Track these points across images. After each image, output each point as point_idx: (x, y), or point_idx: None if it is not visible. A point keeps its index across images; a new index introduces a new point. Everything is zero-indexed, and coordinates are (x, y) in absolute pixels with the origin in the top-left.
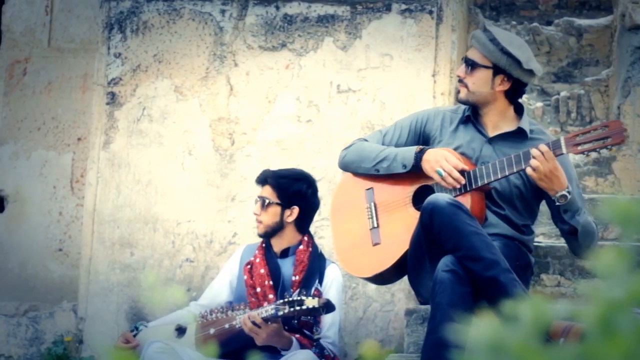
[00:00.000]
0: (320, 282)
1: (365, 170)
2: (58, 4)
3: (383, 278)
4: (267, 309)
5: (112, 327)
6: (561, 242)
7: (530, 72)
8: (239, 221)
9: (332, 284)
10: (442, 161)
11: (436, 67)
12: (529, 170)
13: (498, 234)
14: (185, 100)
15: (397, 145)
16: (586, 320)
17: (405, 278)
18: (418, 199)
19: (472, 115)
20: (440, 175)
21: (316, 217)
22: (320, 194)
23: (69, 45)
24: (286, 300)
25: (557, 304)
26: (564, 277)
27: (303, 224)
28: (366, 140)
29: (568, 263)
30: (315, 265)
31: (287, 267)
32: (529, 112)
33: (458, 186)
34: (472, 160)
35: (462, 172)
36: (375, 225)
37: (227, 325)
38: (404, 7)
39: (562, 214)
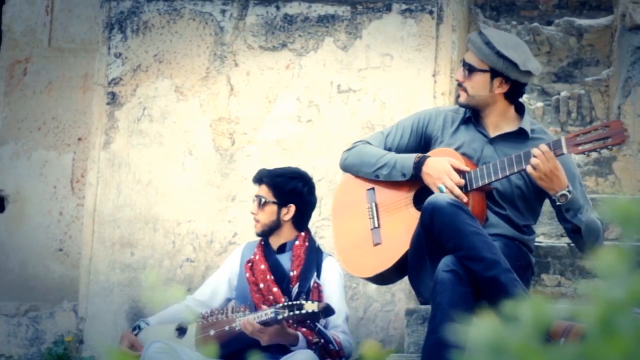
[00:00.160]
0: (319, 276)
1: (365, 174)
2: (58, 4)
3: (384, 278)
4: (267, 312)
5: (113, 327)
6: (562, 242)
7: (528, 73)
8: (239, 221)
9: (330, 277)
10: (444, 177)
11: (436, 67)
12: (529, 169)
13: (499, 234)
14: (185, 100)
15: (399, 146)
16: (586, 321)
17: (406, 278)
18: (419, 199)
19: (473, 117)
20: (442, 191)
21: (317, 217)
22: (320, 194)
23: (69, 45)
24: (286, 304)
25: (557, 304)
26: (565, 277)
27: (300, 222)
28: (368, 143)
29: (568, 263)
30: (312, 259)
31: (285, 262)
32: (529, 112)
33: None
34: (473, 160)
35: (463, 173)
36: (376, 226)
37: (227, 327)
38: (404, 7)
39: (564, 213)
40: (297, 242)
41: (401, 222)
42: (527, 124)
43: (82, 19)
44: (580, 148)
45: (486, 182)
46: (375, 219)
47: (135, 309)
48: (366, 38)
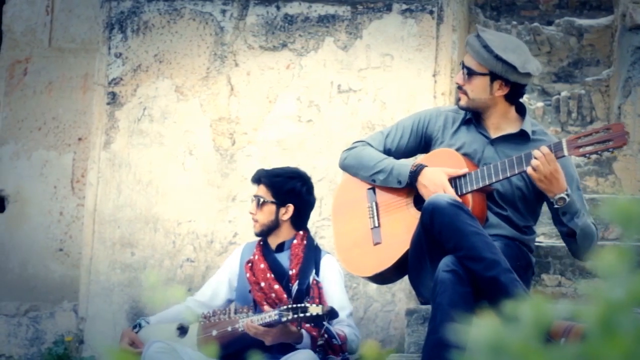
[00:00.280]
0: (317, 273)
1: (362, 177)
2: (59, 4)
3: (384, 277)
4: (271, 314)
5: (113, 327)
6: (562, 243)
7: (528, 75)
8: (239, 221)
9: (329, 274)
10: (439, 192)
11: (437, 67)
12: (529, 170)
13: (499, 235)
14: (186, 100)
15: (398, 146)
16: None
17: (406, 278)
18: (419, 199)
19: (474, 118)
20: (432, 196)
21: (317, 217)
22: (321, 194)
23: (69, 45)
24: (290, 306)
25: (557, 304)
26: (565, 277)
27: (299, 222)
28: (368, 144)
29: (569, 263)
30: (310, 257)
31: (284, 260)
32: (529, 111)
33: None
34: (474, 161)
35: (463, 175)
36: (377, 225)
37: (229, 328)
38: (404, 7)
39: (561, 216)
40: (295, 241)
41: (401, 222)
42: (528, 125)
43: (83, 19)
44: (581, 150)
45: (487, 183)
46: (376, 218)
47: (135, 309)
48: (366, 38)
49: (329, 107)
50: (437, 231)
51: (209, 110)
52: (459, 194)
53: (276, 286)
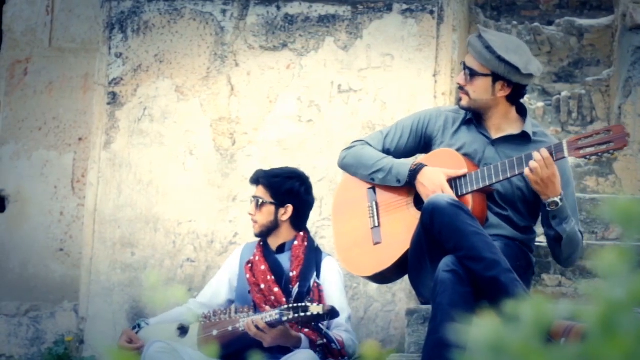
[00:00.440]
0: (318, 276)
1: (361, 176)
2: (59, 4)
3: (383, 277)
4: (272, 314)
5: (113, 327)
6: None
7: (530, 75)
8: (240, 221)
9: (330, 277)
10: (437, 192)
11: (437, 67)
12: (526, 172)
13: (500, 235)
14: (186, 100)
15: (397, 146)
16: (587, 320)
17: (407, 278)
18: (419, 199)
19: (475, 118)
20: (432, 196)
21: (317, 217)
22: (321, 194)
23: (70, 45)
24: (290, 306)
25: (558, 304)
26: (565, 277)
27: (298, 222)
28: (367, 143)
29: None
30: (311, 259)
31: (284, 262)
32: (530, 112)
33: None
34: (474, 161)
35: (463, 175)
36: (377, 225)
37: (230, 328)
38: (405, 7)
39: (550, 220)
40: (296, 242)
41: (401, 222)
42: (529, 126)
43: (83, 19)
44: (582, 152)
45: (487, 183)
46: (376, 218)
47: (136, 309)
48: (367, 38)
49: (330, 107)
50: (437, 231)
51: (209, 110)
52: (459, 194)
53: (276, 289)
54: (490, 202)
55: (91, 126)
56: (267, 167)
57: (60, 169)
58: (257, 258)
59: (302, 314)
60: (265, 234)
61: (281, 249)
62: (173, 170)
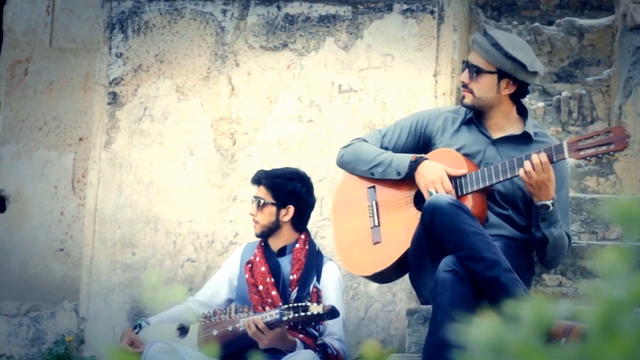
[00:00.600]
0: (318, 280)
1: (360, 172)
2: (59, 3)
3: (383, 277)
4: (272, 314)
5: (113, 327)
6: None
7: (535, 74)
8: (240, 221)
9: (330, 281)
10: (437, 184)
11: (437, 67)
12: (521, 173)
13: (500, 235)
14: (186, 100)
15: (396, 145)
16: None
17: (407, 278)
18: (419, 199)
19: (475, 118)
20: (432, 195)
21: (317, 217)
22: (321, 194)
23: (70, 45)
24: (291, 305)
25: (558, 304)
26: (566, 277)
27: (299, 223)
28: (365, 141)
29: (569, 263)
30: (312, 264)
31: (285, 265)
32: (530, 112)
33: None
34: (475, 161)
35: (463, 175)
36: (376, 224)
37: (230, 328)
38: (405, 7)
39: (539, 221)
40: (297, 245)
41: (401, 222)
42: (530, 127)
43: (83, 18)
44: (582, 153)
45: (487, 184)
46: (376, 217)
47: (136, 309)
48: (367, 38)
49: (330, 107)
50: (437, 231)
51: (209, 110)
52: (459, 194)
53: (274, 292)
54: (491, 202)
55: (91, 126)
56: (267, 167)
57: (60, 169)
58: (257, 259)
59: (302, 314)
60: (266, 234)
61: (282, 251)
62: (173, 170)
